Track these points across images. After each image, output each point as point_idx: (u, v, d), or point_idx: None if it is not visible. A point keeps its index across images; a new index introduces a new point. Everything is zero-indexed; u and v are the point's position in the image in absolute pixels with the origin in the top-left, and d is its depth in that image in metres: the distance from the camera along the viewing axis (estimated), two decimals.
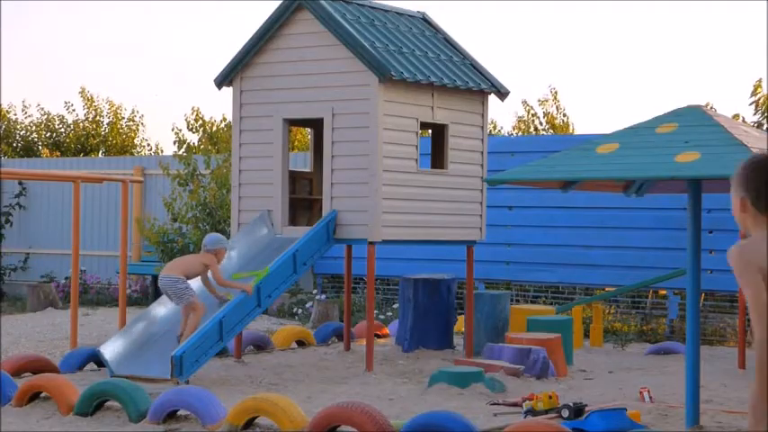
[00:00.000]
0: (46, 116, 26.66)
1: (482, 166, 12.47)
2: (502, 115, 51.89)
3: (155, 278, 18.00)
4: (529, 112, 22.05)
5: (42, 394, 9.23)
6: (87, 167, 20.32)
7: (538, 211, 15.75)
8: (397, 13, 12.68)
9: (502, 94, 12.49)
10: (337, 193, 11.32)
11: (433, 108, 11.83)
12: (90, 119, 26.45)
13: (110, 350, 10.60)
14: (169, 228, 16.22)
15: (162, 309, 11.13)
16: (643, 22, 34.18)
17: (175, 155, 18.08)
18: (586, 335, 14.13)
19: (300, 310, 16.64)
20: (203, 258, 10.74)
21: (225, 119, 22.32)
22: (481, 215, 12.46)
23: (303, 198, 12.51)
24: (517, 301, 15.96)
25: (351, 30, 11.27)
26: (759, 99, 16.98)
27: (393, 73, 11.08)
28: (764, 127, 16.68)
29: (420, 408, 8.66)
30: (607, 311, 15.64)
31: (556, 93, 21.95)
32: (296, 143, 22.57)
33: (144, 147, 27.33)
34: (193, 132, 22.05)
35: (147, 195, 19.54)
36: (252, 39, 11.73)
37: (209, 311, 10.53)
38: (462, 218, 12.25)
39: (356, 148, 11.22)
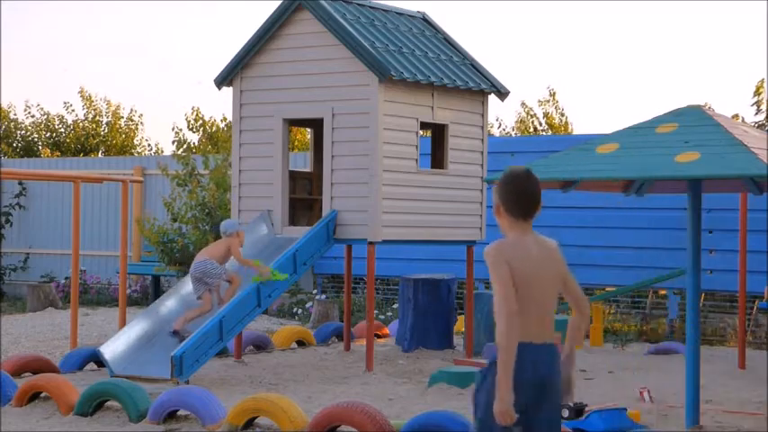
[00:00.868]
0: (45, 116, 26.66)
1: (482, 166, 12.47)
2: (505, 115, 51.87)
3: (155, 278, 18.02)
4: (528, 113, 22.06)
5: (42, 394, 9.23)
6: (87, 167, 20.32)
7: None
8: (397, 13, 12.68)
9: (502, 94, 12.49)
10: (337, 193, 11.31)
11: (433, 108, 11.83)
12: (89, 119, 26.45)
13: (110, 350, 10.60)
14: (169, 228, 16.22)
15: (162, 308, 11.13)
16: (643, 22, 34.19)
17: (174, 155, 18.08)
18: (586, 335, 14.12)
19: (300, 310, 16.64)
20: (225, 244, 11.00)
21: (225, 119, 22.35)
22: (481, 215, 12.46)
23: (303, 198, 12.51)
24: None
25: (351, 30, 11.27)
26: (761, 99, 17.00)
27: (393, 73, 11.08)
28: (767, 128, 16.68)
29: (420, 408, 8.65)
30: (607, 311, 15.64)
31: (554, 93, 21.98)
32: (296, 143, 22.57)
33: (144, 147, 27.35)
34: (194, 132, 22.07)
35: (146, 195, 19.54)
36: (252, 39, 11.73)
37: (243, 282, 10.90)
38: (462, 218, 12.25)
39: (356, 148, 11.22)
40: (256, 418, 8.16)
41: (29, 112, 26.89)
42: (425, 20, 13.01)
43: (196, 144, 20.62)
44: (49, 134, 26.56)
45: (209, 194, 15.83)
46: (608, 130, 10.05)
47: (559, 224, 15.57)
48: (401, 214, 11.47)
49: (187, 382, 9.82)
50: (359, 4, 12.14)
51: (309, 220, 12.10)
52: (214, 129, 22.32)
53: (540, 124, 21.99)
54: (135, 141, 27.14)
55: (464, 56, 12.63)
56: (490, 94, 12.48)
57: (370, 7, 12.30)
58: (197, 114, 22.22)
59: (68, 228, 18.19)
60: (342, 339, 13.21)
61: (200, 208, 15.93)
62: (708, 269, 14.11)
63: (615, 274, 15.12)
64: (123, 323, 12.41)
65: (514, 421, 4.51)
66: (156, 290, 17.85)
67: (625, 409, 8.21)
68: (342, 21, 11.35)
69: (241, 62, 11.81)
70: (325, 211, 11.37)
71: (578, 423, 8.07)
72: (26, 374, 10.29)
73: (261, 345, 12.80)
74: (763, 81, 17.23)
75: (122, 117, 26.89)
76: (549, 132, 21.72)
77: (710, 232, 14.27)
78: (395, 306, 16.15)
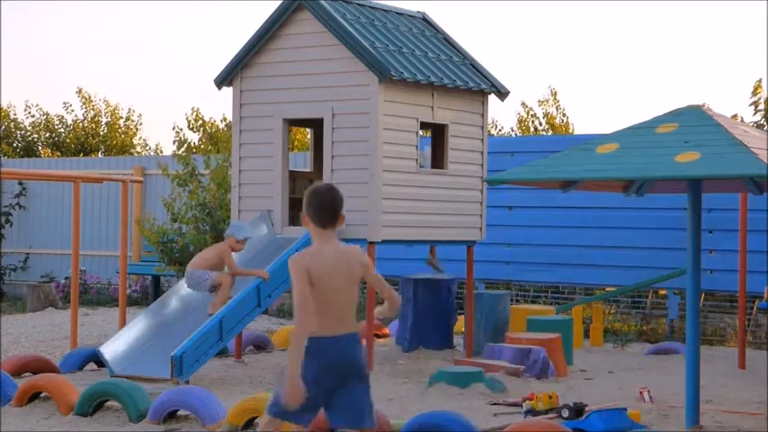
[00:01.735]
0: (45, 116, 26.66)
1: (482, 166, 12.47)
2: (502, 115, 51.86)
3: (155, 278, 18.02)
4: (528, 113, 22.04)
5: (42, 394, 9.23)
6: (87, 167, 20.33)
7: (538, 211, 15.75)
8: (397, 13, 12.68)
9: (502, 94, 12.49)
10: None
11: (433, 108, 11.83)
12: (89, 119, 26.45)
13: (110, 350, 10.60)
14: (169, 228, 16.22)
15: (162, 309, 11.13)
16: (643, 22, 34.19)
17: (174, 155, 18.08)
18: (586, 335, 14.13)
19: None
20: (218, 250, 10.89)
21: (225, 119, 22.34)
22: (481, 215, 12.47)
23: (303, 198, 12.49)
24: (517, 301, 15.96)
25: (351, 30, 11.27)
26: (759, 99, 16.99)
27: (393, 73, 11.08)
28: (765, 128, 16.68)
29: (420, 408, 8.66)
30: (607, 311, 15.64)
31: (555, 93, 21.96)
32: (296, 143, 22.57)
33: (144, 147, 27.35)
34: (194, 132, 22.05)
35: (146, 195, 19.55)
36: (252, 39, 11.73)
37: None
38: (462, 218, 12.25)
39: (356, 148, 11.22)
40: (256, 418, 8.15)
41: (29, 112, 26.90)
42: (425, 20, 13.01)
43: (196, 144, 20.59)
44: (48, 134, 26.56)
45: (210, 194, 15.84)
46: (608, 130, 10.05)
47: (559, 224, 15.59)
48: (401, 214, 11.47)
49: (187, 382, 9.82)
50: (359, 4, 12.14)
51: None
52: (214, 129, 22.31)
53: (541, 124, 21.97)
54: (135, 141, 27.15)
55: (464, 56, 12.63)
56: (490, 94, 12.48)
57: (370, 7, 12.30)
58: (197, 114, 22.21)
59: (68, 228, 18.19)
60: None
61: (201, 208, 15.93)
62: (708, 269, 14.11)
63: (615, 274, 15.12)
64: (123, 323, 12.41)
65: (303, 400, 5.36)
66: (156, 290, 17.85)
67: (625, 409, 8.21)
68: (342, 21, 11.35)
69: (241, 62, 11.81)
70: None
71: (578, 423, 8.07)
72: (26, 374, 10.29)
73: (261, 345, 12.80)
74: (761, 81, 17.22)
75: (121, 117, 26.89)
76: (550, 132, 21.71)
77: (710, 232, 14.28)
78: None
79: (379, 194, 11.15)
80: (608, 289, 15.33)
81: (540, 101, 21.99)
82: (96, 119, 26.49)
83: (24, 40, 39.65)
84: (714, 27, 34.36)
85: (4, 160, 23.16)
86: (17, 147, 26.52)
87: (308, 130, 16.29)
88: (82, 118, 26.52)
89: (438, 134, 12.30)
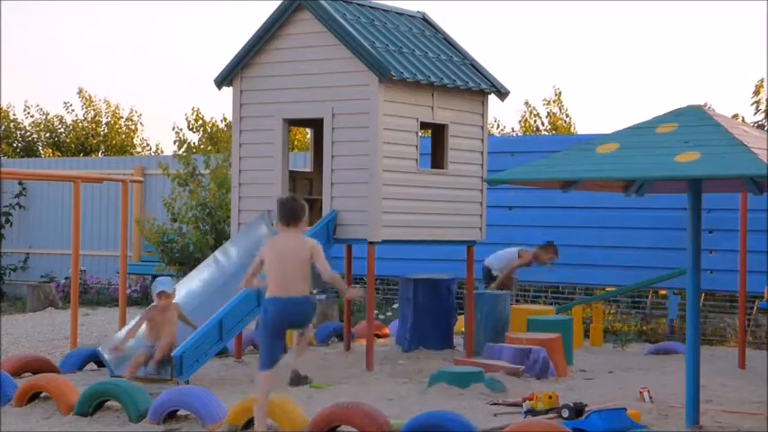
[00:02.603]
0: (45, 116, 26.66)
1: (482, 166, 12.47)
2: (505, 115, 51.84)
3: (155, 278, 18.00)
4: (531, 113, 22.01)
5: (42, 394, 9.23)
6: (87, 167, 20.33)
7: (538, 211, 15.74)
8: (397, 13, 12.68)
9: (502, 94, 12.49)
10: (337, 193, 11.32)
11: (433, 108, 11.83)
12: (89, 119, 26.46)
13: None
14: (169, 228, 16.22)
15: None
16: (643, 22, 34.19)
17: (175, 155, 18.09)
18: (586, 335, 14.12)
19: None
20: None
21: (225, 119, 22.34)
22: (481, 215, 12.46)
23: (303, 198, 12.48)
24: (517, 301, 15.96)
25: (351, 30, 11.27)
26: (760, 99, 17.00)
27: (393, 73, 11.08)
28: (766, 128, 16.69)
29: (420, 408, 8.65)
30: (607, 311, 15.64)
31: (560, 94, 21.89)
32: (296, 143, 22.57)
33: (144, 147, 27.35)
34: (194, 132, 22.05)
35: (147, 195, 19.55)
36: (252, 39, 11.73)
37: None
38: (462, 218, 12.25)
39: (356, 148, 11.22)
40: None
41: (28, 113, 26.90)
42: (425, 20, 13.01)
43: (196, 144, 20.59)
44: (48, 134, 26.56)
45: (210, 194, 15.84)
46: (608, 130, 10.05)
47: (559, 224, 15.59)
48: (401, 214, 11.47)
49: (187, 382, 9.82)
50: (359, 4, 12.14)
51: (309, 220, 12.08)
52: (214, 129, 22.32)
53: (543, 124, 21.94)
54: (135, 141, 27.15)
55: (464, 56, 12.63)
56: (490, 94, 12.48)
57: (370, 7, 12.30)
58: (197, 114, 22.22)
59: (68, 228, 18.18)
60: (342, 339, 13.21)
61: (201, 208, 15.94)
62: (708, 269, 14.11)
63: (615, 274, 15.12)
64: (123, 323, 12.41)
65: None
66: None
67: (625, 409, 8.21)
68: (342, 21, 11.35)
69: (241, 62, 11.81)
70: (325, 211, 11.37)
71: (578, 423, 8.07)
72: (26, 374, 10.29)
73: None
74: (762, 81, 17.23)
75: (122, 117, 26.89)
76: (552, 132, 21.69)
77: (710, 232, 14.28)
78: (395, 306, 16.15)
79: (379, 194, 11.15)
80: (608, 289, 15.33)
81: (545, 100, 21.94)
82: (96, 119, 26.49)
83: (24, 40, 39.68)
84: (716, 27, 34.37)
85: (4, 160, 23.17)
86: (17, 147, 26.53)
87: (308, 130, 16.29)
88: (82, 118, 26.52)
89: (438, 134, 12.30)
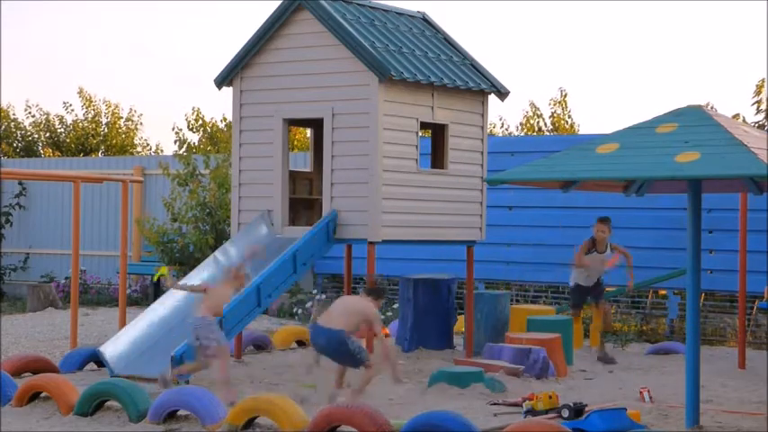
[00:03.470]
0: (45, 116, 26.65)
1: (482, 166, 12.47)
2: (509, 115, 51.87)
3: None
4: (535, 113, 21.95)
5: (42, 394, 9.23)
6: (87, 167, 20.32)
7: (538, 211, 15.74)
8: (397, 13, 12.68)
9: (502, 94, 12.49)
10: (337, 193, 11.32)
11: (433, 108, 11.83)
12: (89, 119, 26.45)
13: (110, 350, 10.59)
14: (169, 228, 16.22)
15: (162, 309, 11.12)
16: (644, 22, 34.19)
17: (175, 155, 18.09)
18: (586, 335, 14.12)
19: (300, 310, 16.64)
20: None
21: (225, 119, 22.34)
22: (481, 215, 12.46)
23: (303, 198, 12.51)
24: (517, 301, 15.96)
25: (351, 30, 11.27)
26: (761, 99, 17.00)
27: (393, 73, 11.08)
28: (766, 128, 16.69)
29: (420, 408, 8.65)
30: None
31: (566, 95, 21.79)
32: (296, 143, 22.57)
33: (144, 146, 27.34)
34: (194, 132, 22.06)
35: (147, 195, 19.54)
36: (252, 39, 11.73)
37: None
38: (462, 218, 12.25)
39: (356, 148, 11.22)
40: (256, 418, 8.16)
41: (29, 112, 26.90)
42: (425, 20, 13.01)
43: (196, 144, 20.59)
44: (48, 134, 26.55)
45: (210, 194, 15.84)
46: (608, 130, 10.05)
47: (559, 224, 15.58)
48: (401, 214, 11.47)
49: (187, 382, 9.82)
50: (359, 4, 12.14)
51: (309, 220, 12.10)
52: (214, 129, 22.33)
53: (546, 124, 21.90)
54: (135, 141, 27.14)
55: (464, 56, 12.63)
56: (490, 94, 12.48)
57: (370, 7, 12.30)
58: (197, 114, 22.23)
59: (68, 228, 18.18)
60: None
61: (201, 208, 15.94)
62: (708, 269, 14.11)
63: (615, 274, 15.10)
64: (123, 323, 12.41)
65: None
66: (156, 290, 17.85)
67: (625, 409, 8.21)
68: (342, 21, 11.35)
69: (241, 62, 11.81)
70: (325, 211, 11.37)
71: (578, 423, 8.07)
72: (26, 374, 10.29)
73: (261, 345, 12.80)
74: (763, 81, 17.23)
75: (122, 117, 26.88)
76: (554, 133, 21.66)
77: (710, 232, 14.28)
78: (395, 306, 16.15)
79: (379, 194, 11.15)
80: (608, 289, 15.32)
81: (552, 100, 21.86)
82: (96, 119, 26.48)
83: (24, 40, 39.68)
84: (716, 27, 34.37)
85: (4, 160, 23.16)
86: (17, 147, 26.52)
87: (308, 130, 16.29)
88: (82, 118, 26.51)
89: (438, 134, 12.30)
